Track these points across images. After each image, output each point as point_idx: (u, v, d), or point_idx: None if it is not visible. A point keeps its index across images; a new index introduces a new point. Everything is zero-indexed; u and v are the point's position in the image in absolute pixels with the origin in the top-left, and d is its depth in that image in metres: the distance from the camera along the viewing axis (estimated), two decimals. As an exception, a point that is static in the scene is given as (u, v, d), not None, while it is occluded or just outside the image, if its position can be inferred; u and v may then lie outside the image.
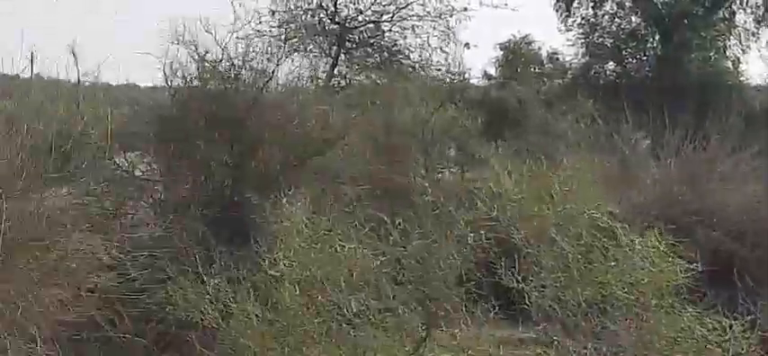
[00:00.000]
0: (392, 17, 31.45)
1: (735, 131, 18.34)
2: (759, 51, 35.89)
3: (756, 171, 18.00)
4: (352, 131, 18.09)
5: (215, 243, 11.94)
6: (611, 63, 36.29)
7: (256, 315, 10.02)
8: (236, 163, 15.49)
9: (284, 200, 11.93)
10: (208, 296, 10.06)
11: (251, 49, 17.89)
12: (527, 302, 11.08)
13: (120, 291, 10.96)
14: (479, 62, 45.27)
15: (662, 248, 10.84)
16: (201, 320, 9.87)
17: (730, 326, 10.34)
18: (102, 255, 9.92)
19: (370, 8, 31.50)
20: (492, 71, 39.50)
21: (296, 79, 19.21)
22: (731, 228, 16.08)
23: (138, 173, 15.36)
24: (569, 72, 37.58)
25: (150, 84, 21.51)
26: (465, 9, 31.14)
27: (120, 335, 10.78)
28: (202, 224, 13.43)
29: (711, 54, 33.97)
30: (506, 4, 31.73)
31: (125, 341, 10.77)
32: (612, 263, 10.64)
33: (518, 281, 11.14)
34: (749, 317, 10.33)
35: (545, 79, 39.17)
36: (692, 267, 10.97)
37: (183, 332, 10.45)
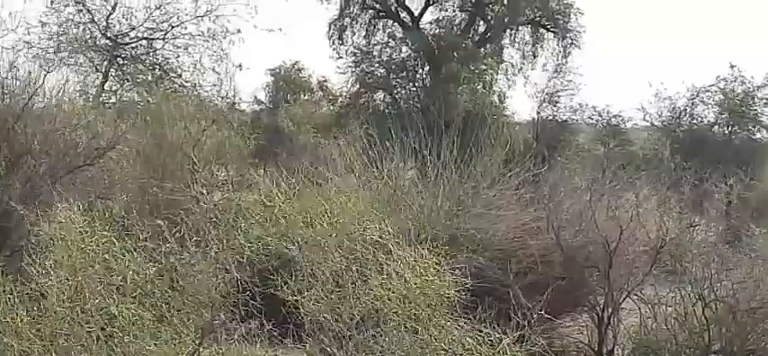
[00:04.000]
0: (165, 35, 31.07)
1: (497, 163, 19.20)
2: (525, 87, 37.37)
3: (520, 200, 18.92)
4: (123, 145, 17.94)
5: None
6: (381, 92, 37.03)
7: (23, 322, 9.85)
8: (1, 173, 15.11)
9: (55, 210, 11.75)
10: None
11: (18, 60, 17.58)
12: (302, 314, 11.28)
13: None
14: (250, 86, 45.17)
15: (432, 262, 11.31)
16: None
17: (500, 340, 10.83)
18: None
19: (142, 25, 31.11)
20: (262, 96, 39.69)
21: (63, 92, 18.93)
22: (497, 250, 16.91)
23: None
24: (340, 99, 38.09)
25: None
26: (238, 31, 31.36)
27: None
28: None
29: (479, 87, 34.97)
30: (280, 29, 32.18)
31: None
32: (384, 277, 11.00)
33: (293, 294, 11.33)
34: (518, 331, 10.83)
35: (316, 105, 39.52)
36: (462, 283, 11.44)
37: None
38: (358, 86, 37.16)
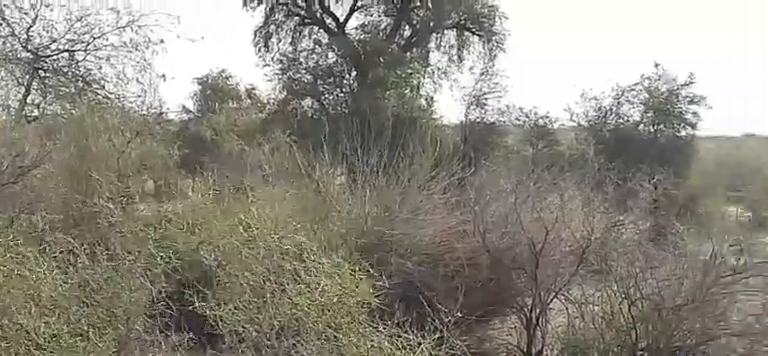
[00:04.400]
0: (86, 46, 30.74)
1: (426, 167, 19.19)
2: (452, 90, 37.44)
3: (447, 204, 18.94)
4: (47, 160, 17.69)
5: None
6: (309, 98, 36.85)
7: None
8: None
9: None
10: None
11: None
12: (220, 326, 11.19)
13: None
14: (179, 95, 45.04)
15: (351, 271, 11.28)
16: None
17: (419, 344, 10.83)
18: None
19: (64, 37, 30.71)
20: (190, 105, 39.56)
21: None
22: (424, 255, 16.93)
23: None
24: (268, 106, 37.90)
25: None
26: (161, 41, 31.07)
27: None
28: None
29: (406, 91, 34.91)
30: (203, 38, 31.98)
31: None
32: (303, 286, 10.96)
33: (211, 308, 11.24)
34: (437, 335, 10.85)
35: (243, 113, 39.34)
36: (382, 288, 11.43)
37: None
38: (285, 93, 36.98)
